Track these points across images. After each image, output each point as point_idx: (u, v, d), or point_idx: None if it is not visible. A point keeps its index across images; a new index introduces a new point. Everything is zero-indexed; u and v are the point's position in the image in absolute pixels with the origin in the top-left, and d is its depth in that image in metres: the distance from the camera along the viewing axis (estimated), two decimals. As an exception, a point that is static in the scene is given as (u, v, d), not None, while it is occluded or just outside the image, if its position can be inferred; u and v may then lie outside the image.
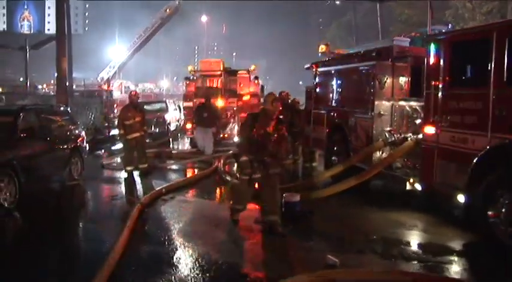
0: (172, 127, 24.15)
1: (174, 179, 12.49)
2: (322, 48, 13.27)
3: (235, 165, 11.27)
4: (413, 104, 9.57)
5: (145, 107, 24.53)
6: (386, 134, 9.89)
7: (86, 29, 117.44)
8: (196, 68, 20.93)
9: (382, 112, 10.14)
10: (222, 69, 20.21)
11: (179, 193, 10.47)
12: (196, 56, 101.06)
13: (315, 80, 13.29)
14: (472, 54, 7.53)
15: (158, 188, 10.22)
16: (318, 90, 13.13)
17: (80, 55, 52.79)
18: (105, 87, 37.66)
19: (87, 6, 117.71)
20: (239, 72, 20.42)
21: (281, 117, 14.22)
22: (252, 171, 7.77)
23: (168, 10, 41.64)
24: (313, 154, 14.41)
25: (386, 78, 10.19)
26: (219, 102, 19.04)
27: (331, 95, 12.24)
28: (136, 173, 12.85)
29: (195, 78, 20.39)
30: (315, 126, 13.15)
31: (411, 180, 8.88)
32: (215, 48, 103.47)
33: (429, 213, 8.76)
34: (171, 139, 22.36)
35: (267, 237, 7.43)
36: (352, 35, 46.90)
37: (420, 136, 8.94)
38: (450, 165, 7.79)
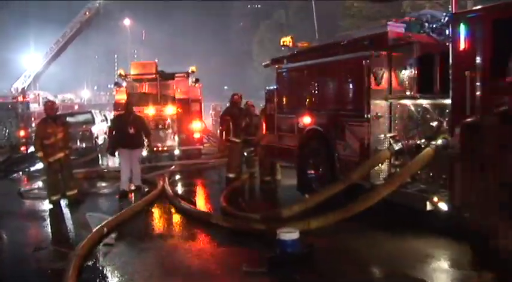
0: (100, 141, 21.18)
1: (112, 208, 9.93)
2: (285, 41, 11.17)
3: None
4: (423, 102, 7.57)
5: (68, 119, 21.59)
6: (391, 141, 7.87)
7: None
8: (126, 72, 18.11)
9: (379, 114, 8.12)
10: (156, 72, 17.64)
11: (125, 231, 7.98)
12: (116, 63, 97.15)
13: (278, 79, 11.11)
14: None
15: (97, 227, 7.64)
16: (283, 90, 10.96)
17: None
18: (20, 98, 33.95)
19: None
20: (176, 75, 17.87)
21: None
22: None
23: (87, 13, 38.32)
24: (274, 166, 12.23)
25: (383, 72, 8.16)
26: (151, 110, 16.49)
27: (303, 96, 10.09)
28: (64, 203, 10.26)
29: (125, 83, 17.67)
30: (281, 133, 10.97)
31: (434, 199, 6.86)
32: (135, 55, 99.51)
33: (458, 240, 6.77)
34: (100, 155, 19.47)
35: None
36: (283, 35, 45.18)
37: (440, 142, 6.97)
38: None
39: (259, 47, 56.01)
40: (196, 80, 17.83)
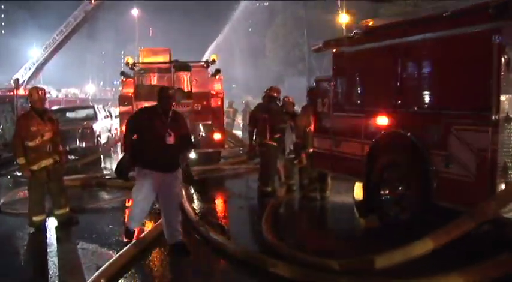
0: (103, 139, 18.48)
1: (114, 234, 7.30)
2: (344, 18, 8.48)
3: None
4: None
5: (67, 114, 19.09)
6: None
7: (2, 31, 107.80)
8: (136, 60, 15.42)
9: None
10: (170, 60, 14.99)
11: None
12: (122, 59, 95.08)
13: (336, 66, 8.45)
14: None
15: (90, 279, 5.01)
16: (343, 81, 8.29)
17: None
18: (19, 91, 31.28)
19: (2, 7, 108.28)
20: (194, 64, 15.17)
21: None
22: None
23: (92, 1, 35.62)
24: (324, 179, 9.55)
25: (517, 54, 5.51)
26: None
27: (378, 88, 7.44)
28: (52, 223, 7.77)
29: (134, 73, 14.99)
30: (338, 137, 8.31)
31: None
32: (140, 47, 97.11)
33: None
34: (102, 156, 16.82)
35: None
36: (302, 30, 42.68)
37: None
38: None
39: (273, 42, 53.28)
40: (218, 71, 15.08)
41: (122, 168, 6.39)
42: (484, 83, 5.55)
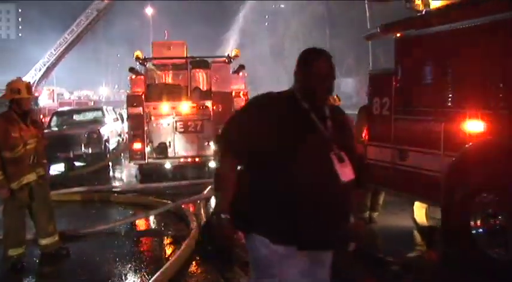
0: (112, 145, 16.67)
1: (114, 280, 5.49)
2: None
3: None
4: None
5: (74, 116, 17.58)
6: None
7: (20, 35, 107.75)
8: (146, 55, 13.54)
9: None
10: (186, 55, 13.25)
11: None
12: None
13: (400, 55, 6.57)
14: None
15: None
16: (411, 74, 6.41)
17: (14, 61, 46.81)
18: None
19: (20, 10, 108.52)
20: (214, 60, 13.39)
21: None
22: None
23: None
24: (376, 197, 7.63)
25: None
26: (178, 107, 12.11)
27: (470, 82, 5.55)
28: (33, 256, 6.11)
29: (145, 70, 13.23)
30: (404, 147, 6.41)
31: None
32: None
33: None
34: (111, 164, 14.98)
35: None
36: (323, 30, 40.98)
37: None
38: None
39: (292, 42, 51.63)
40: (241, 67, 13.20)
41: (219, 237, 2.79)
42: None
